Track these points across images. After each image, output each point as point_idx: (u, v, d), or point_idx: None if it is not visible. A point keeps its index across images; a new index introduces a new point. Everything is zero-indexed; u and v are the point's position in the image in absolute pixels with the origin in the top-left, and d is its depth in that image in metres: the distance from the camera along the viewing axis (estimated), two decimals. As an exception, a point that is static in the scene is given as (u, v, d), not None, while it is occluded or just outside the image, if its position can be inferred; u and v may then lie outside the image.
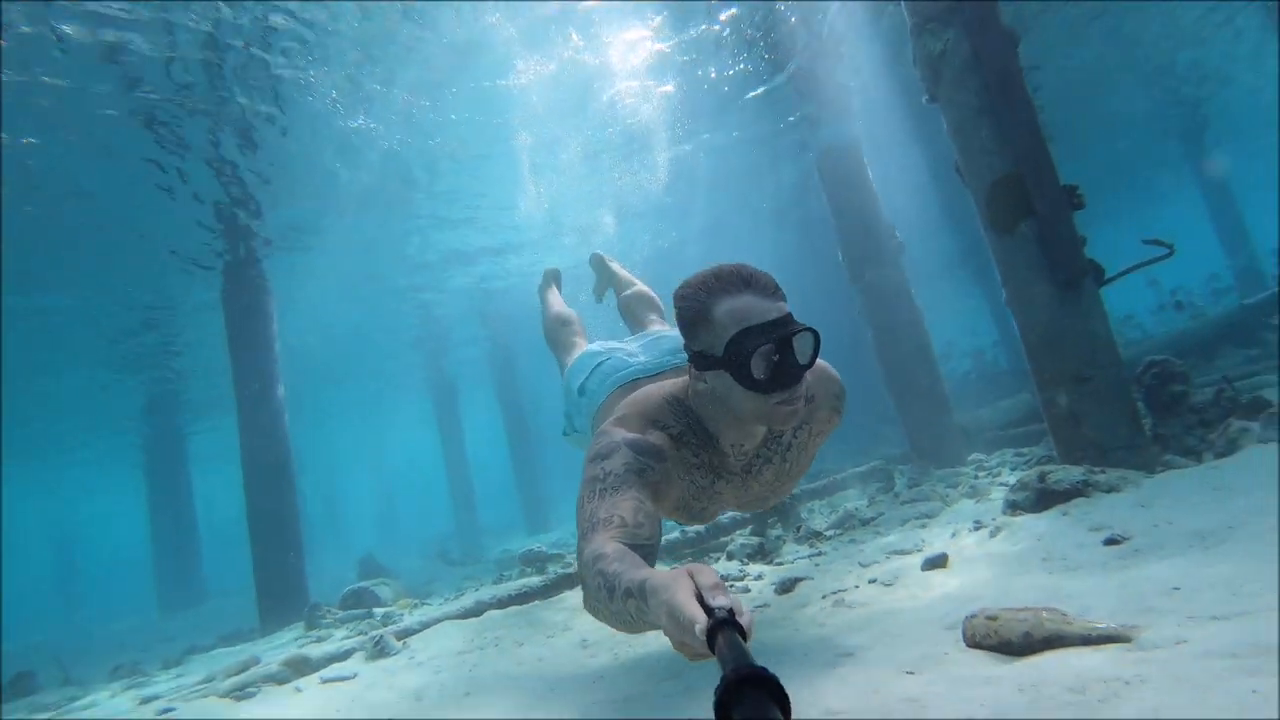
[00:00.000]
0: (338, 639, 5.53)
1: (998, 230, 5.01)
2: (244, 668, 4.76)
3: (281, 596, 8.88)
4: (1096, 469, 4.10)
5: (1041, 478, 4.01)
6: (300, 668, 4.40)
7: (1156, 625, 1.94)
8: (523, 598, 5.12)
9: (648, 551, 1.86)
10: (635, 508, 1.94)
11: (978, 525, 4.03)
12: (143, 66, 7.86)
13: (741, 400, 2.03)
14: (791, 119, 13.02)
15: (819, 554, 4.61)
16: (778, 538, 5.28)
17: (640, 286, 4.50)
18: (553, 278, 5.10)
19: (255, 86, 8.63)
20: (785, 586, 3.79)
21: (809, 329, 1.99)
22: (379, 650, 4.47)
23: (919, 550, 3.89)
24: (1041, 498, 3.94)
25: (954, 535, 4.04)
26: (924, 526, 4.59)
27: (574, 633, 4.02)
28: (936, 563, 3.40)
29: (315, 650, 4.75)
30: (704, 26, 9.93)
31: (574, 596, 4.81)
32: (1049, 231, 4.78)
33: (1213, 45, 15.07)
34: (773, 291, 2.04)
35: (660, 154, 13.26)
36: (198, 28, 7.57)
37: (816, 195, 9.45)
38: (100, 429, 21.20)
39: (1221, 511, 3.08)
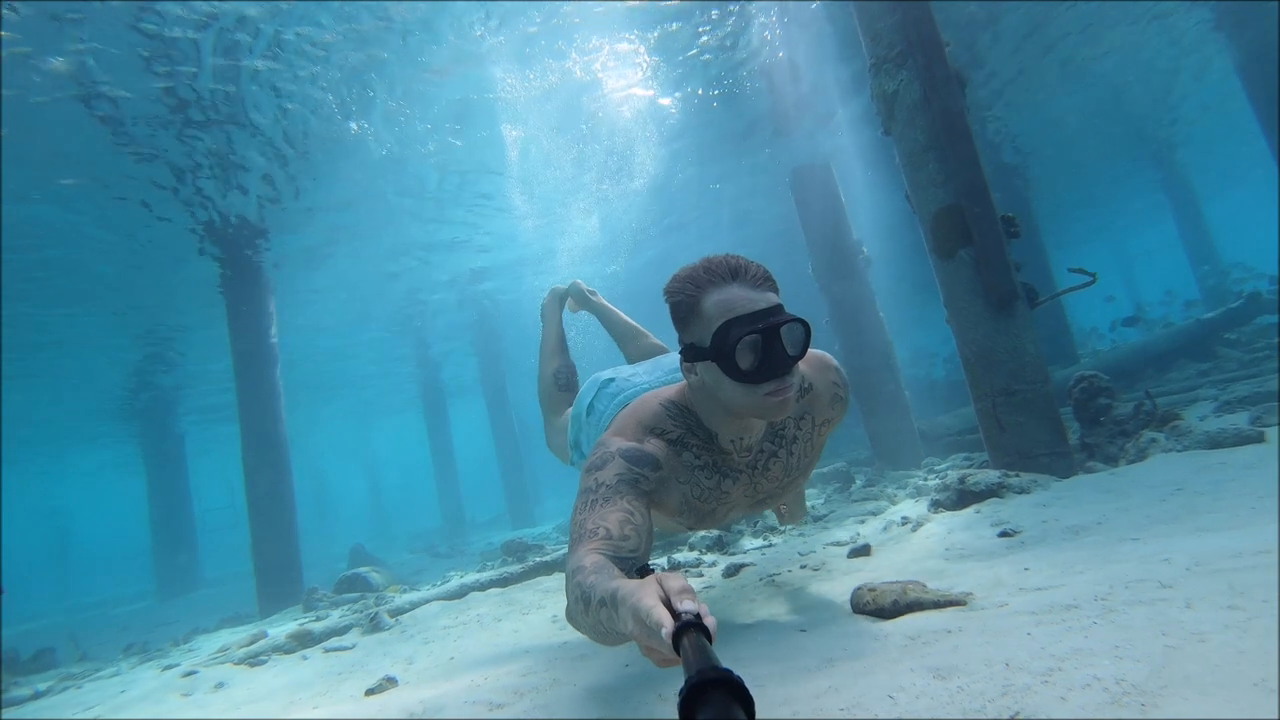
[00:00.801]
0: (335, 617, 6.04)
1: (940, 255, 5.54)
2: (253, 640, 5.27)
3: (279, 581, 9.35)
4: (1012, 473, 4.62)
5: (962, 480, 4.54)
6: (304, 640, 4.92)
7: (995, 594, 2.47)
8: (503, 581, 5.64)
9: (630, 564, 1.86)
10: (623, 520, 1.96)
11: (905, 521, 4.56)
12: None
13: (731, 392, 2.04)
14: (767, 151, 13.53)
15: (769, 545, 5.15)
16: (738, 531, 5.81)
17: (632, 327, 4.46)
18: (560, 300, 4.75)
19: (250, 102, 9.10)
20: (731, 571, 4.32)
21: (798, 319, 2.00)
22: (374, 625, 4.98)
23: (853, 542, 4.42)
24: (961, 497, 4.47)
25: (885, 529, 4.57)
26: (863, 523, 5.13)
27: (546, 611, 4.53)
28: (860, 551, 3.92)
29: (317, 626, 5.27)
30: (691, 52, 10.44)
31: (549, 581, 5.33)
32: (984, 258, 5.29)
33: (1179, 75, 15.65)
34: (761, 281, 2.05)
35: (645, 168, 13.76)
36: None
37: (790, 209, 9.96)
38: (99, 415, 21.50)
39: (1100, 510, 3.59)
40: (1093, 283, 5.50)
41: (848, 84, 11.53)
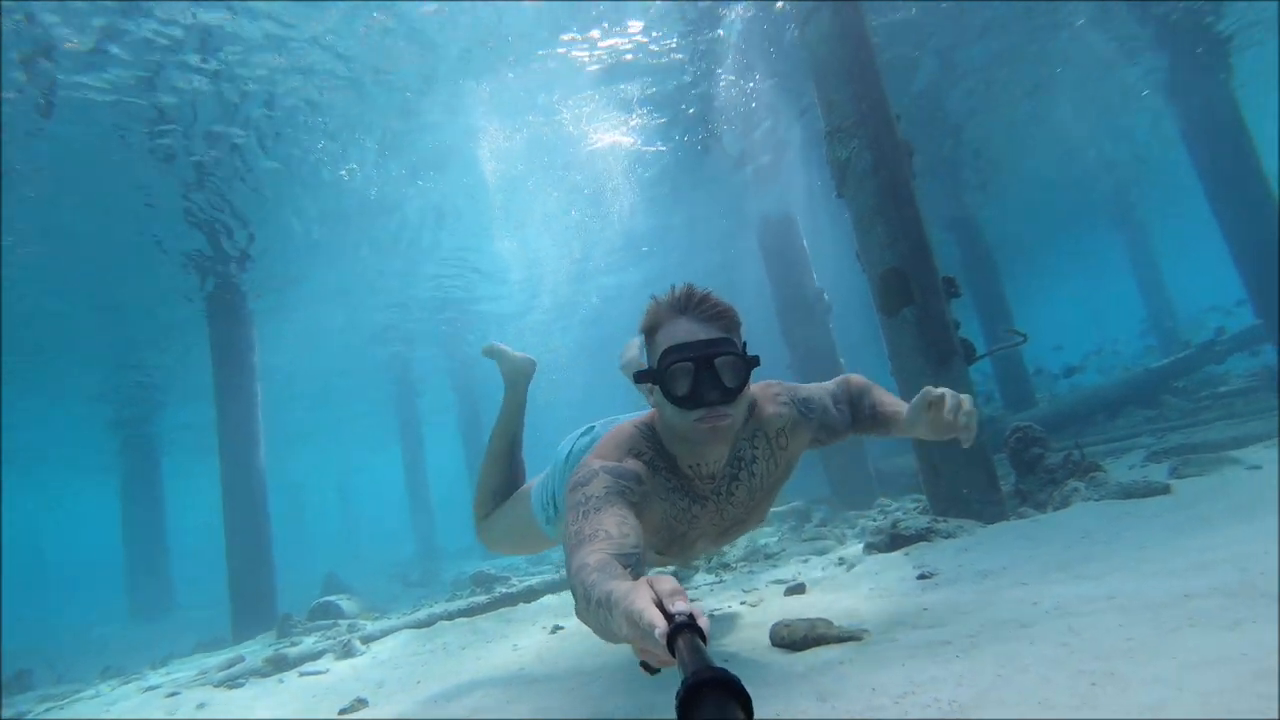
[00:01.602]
0: (310, 643, 6.32)
1: (885, 313, 5.97)
2: (231, 664, 5.55)
3: (254, 607, 9.57)
4: (941, 519, 5.02)
5: (894, 525, 4.93)
6: (280, 665, 5.21)
7: (891, 631, 2.84)
8: (469, 611, 5.97)
9: (634, 560, 1.90)
10: (619, 520, 2.02)
11: (841, 561, 4.94)
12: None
13: (670, 415, 2.22)
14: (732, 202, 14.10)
15: (719, 581, 5.51)
16: (694, 568, 6.16)
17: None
18: (524, 374, 4.03)
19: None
20: (680, 605, 4.67)
21: (734, 354, 2.15)
22: (346, 651, 5.28)
23: (793, 580, 4.79)
24: (893, 541, 4.86)
25: (823, 569, 4.95)
26: (805, 561, 5.52)
27: (509, 640, 4.86)
28: (796, 590, 4.29)
29: (292, 651, 5.55)
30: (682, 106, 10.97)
31: (512, 612, 5.66)
32: (925, 316, 5.73)
33: (1134, 128, 16.40)
34: (713, 317, 2.19)
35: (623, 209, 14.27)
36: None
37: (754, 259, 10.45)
38: (76, 442, 21.53)
39: (1011, 556, 3.98)
40: (1024, 342, 5.96)
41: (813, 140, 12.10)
